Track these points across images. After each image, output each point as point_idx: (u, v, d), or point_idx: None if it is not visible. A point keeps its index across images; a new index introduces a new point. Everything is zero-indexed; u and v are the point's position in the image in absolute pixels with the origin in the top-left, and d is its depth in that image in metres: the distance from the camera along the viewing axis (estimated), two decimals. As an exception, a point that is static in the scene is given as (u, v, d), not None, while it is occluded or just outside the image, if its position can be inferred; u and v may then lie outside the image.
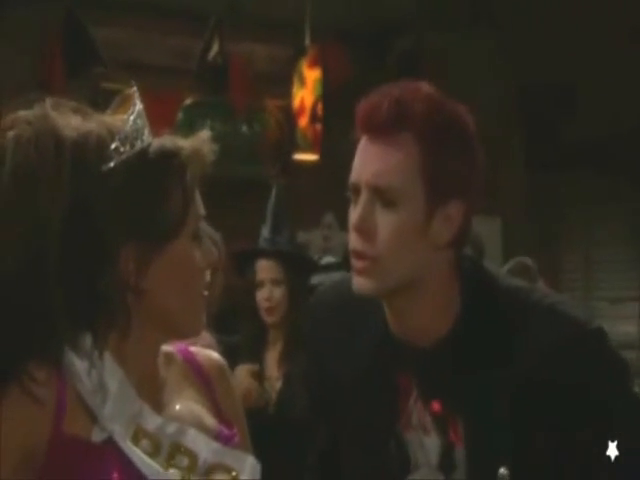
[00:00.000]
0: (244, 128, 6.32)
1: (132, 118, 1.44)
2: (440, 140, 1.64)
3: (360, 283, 1.67)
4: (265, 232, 3.79)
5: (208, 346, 3.05)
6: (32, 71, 6.01)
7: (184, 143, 1.48)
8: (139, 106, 1.47)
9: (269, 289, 3.70)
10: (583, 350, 1.65)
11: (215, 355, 1.64)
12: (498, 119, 7.28)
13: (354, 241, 1.66)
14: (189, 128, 6.05)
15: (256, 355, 3.72)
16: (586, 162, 7.27)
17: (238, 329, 3.81)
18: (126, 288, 1.42)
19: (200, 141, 1.49)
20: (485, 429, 1.66)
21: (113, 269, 1.40)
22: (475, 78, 7.04)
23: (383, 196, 1.64)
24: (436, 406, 1.69)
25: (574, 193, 7.59)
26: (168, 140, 1.47)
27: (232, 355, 3.57)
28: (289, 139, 6.52)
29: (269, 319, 3.72)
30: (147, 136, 1.45)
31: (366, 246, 1.65)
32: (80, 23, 5.78)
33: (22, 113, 1.43)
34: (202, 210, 1.50)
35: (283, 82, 6.44)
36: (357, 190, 1.67)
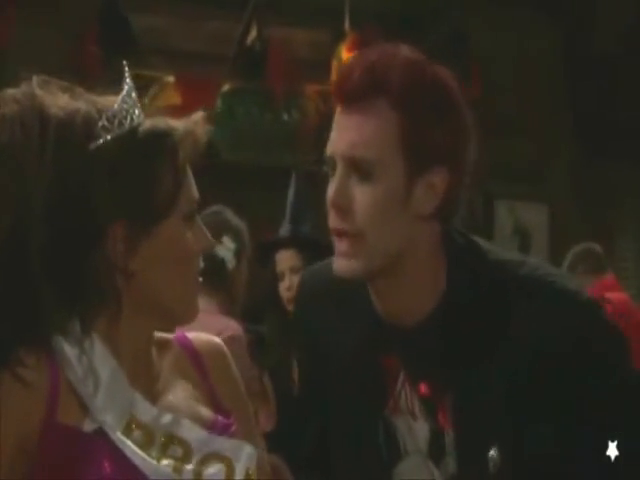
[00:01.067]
0: (283, 114, 6.30)
1: (121, 97, 1.43)
2: (419, 106, 1.56)
3: (343, 265, 1.59)
4: (284, 222, 3.78)
5: (234, 336, 3.03)
6: (71, 56, 6.03)
7: (177, 124, 1.46)
8: (130, 85, 1.46)
9: (289, 278, 3.69)
10: (577, 324, 1.57)
11: (214, 340, 1.59)
12: (545, 101, 7.19)
13: (332, 218, 1.59)
14: (229, 115, 6.05)
15: (283, 345, 3.69)
16: (637, 146, 7.16)
17: (265, 318, 3.80)
18: (115, 269, 1.40)
19: (193, 122, 1.47)
20: (475, 411, 1.59)
21: (101, 249, 1.39)
22: (521, 60, 6.96)
23: (359, 168, 1.56)
24: (424, 388, 1.62)
25: (624, 179, 7.48)
26: (160, 120, 1.46)
27: (260, 344, 3.57)
28: (328, 125, 6.46)
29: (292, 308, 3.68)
30: (138, 115, 1.44)
31: (344, 223, 1.57)
32: (117, 9, 5.80)
33: (10, 91, 1.43)
34: (196, 193, 1.48)
35: (322, 67, 6.41)
36: (333, 163, 1.60)
